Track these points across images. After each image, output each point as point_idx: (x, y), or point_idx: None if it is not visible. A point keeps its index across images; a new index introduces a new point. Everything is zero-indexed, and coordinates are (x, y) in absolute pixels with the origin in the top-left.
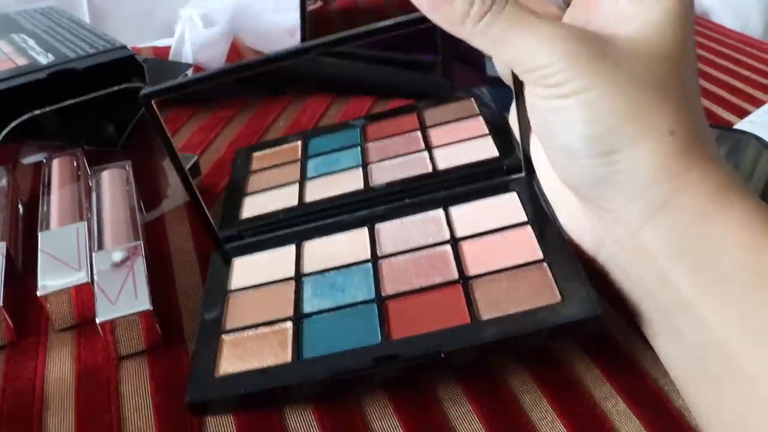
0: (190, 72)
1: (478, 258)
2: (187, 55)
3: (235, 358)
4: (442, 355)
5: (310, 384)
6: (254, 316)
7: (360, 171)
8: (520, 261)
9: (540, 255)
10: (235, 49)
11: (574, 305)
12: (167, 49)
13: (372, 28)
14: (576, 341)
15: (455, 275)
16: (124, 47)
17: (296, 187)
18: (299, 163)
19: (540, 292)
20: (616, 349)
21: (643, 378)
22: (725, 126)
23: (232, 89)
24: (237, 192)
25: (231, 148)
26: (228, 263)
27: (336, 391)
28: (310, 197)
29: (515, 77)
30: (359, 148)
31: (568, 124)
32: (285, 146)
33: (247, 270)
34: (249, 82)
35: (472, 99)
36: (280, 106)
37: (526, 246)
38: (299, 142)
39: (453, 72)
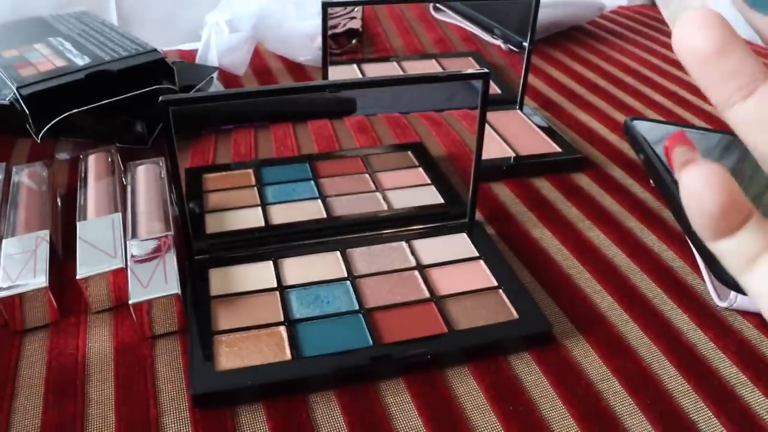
0: (215, 75)
1: (444, 282)
2: (213, 59)
3: (233, 356)
4: (429, 357)
5: (315, 378)
6: (244, 320)
7: (319, 202)
8: (480, 286)
9: (495, 283)
10: (258, 55)
11: (531, 322)
12: (192, 52)
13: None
14: (529, 349)
15: (426, 294)
16: (155, 50)
17: (259, 210)
18: (255, 188)
19: (500, 311)
20: (614, 336)
21: (638, 362)
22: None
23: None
24: (196, 208)
25: None
26: (203, 272)
27: (335, 385)
28: (276, 220)
29: None
30: (313, 182)
31: None
32: (236, 172)
33: (225, 280)
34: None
35: (409, 152)
36: (211, 141)
37: (482, 275)
38: (250, 170)
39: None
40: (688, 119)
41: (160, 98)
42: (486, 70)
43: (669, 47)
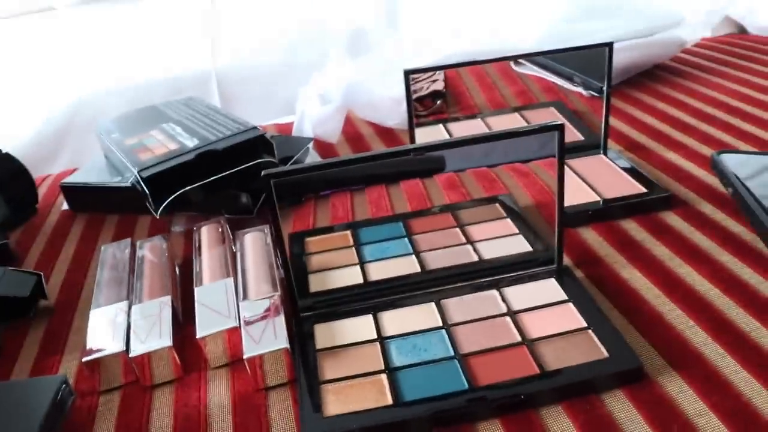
0: (310, 145)
1: (534, 325)
2: (308, 130)
3: (339, 402)
4: (522, 397)
5: (414, 421)
6: (348, 370)
7: (413, 258)
8: (569, 328)
9: (584, 324)
10: (349, 122)
11: (620, 359)
12: (289, 125)
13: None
14: (621, 387)
15: (518, 338)
16: (255, 128)
17: (357, 268)
18: (353, 249)
19: (590, 351)
20: (710, 371)
21: (737, 397)
22: None
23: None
24: (300, 269)
25: None
26: (309, 328)
27: (434, 427)
28: (374, 277)
29: None
30: (406, 239)
31: None
32: (334, 234)
33: (329, 334)
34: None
35: (497, 204)
36: (311, 207)
37: (571, 317)
38: (347, 232)
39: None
40: None
41: (263, 172)
42: (559, 122)
43: (761, 74)
